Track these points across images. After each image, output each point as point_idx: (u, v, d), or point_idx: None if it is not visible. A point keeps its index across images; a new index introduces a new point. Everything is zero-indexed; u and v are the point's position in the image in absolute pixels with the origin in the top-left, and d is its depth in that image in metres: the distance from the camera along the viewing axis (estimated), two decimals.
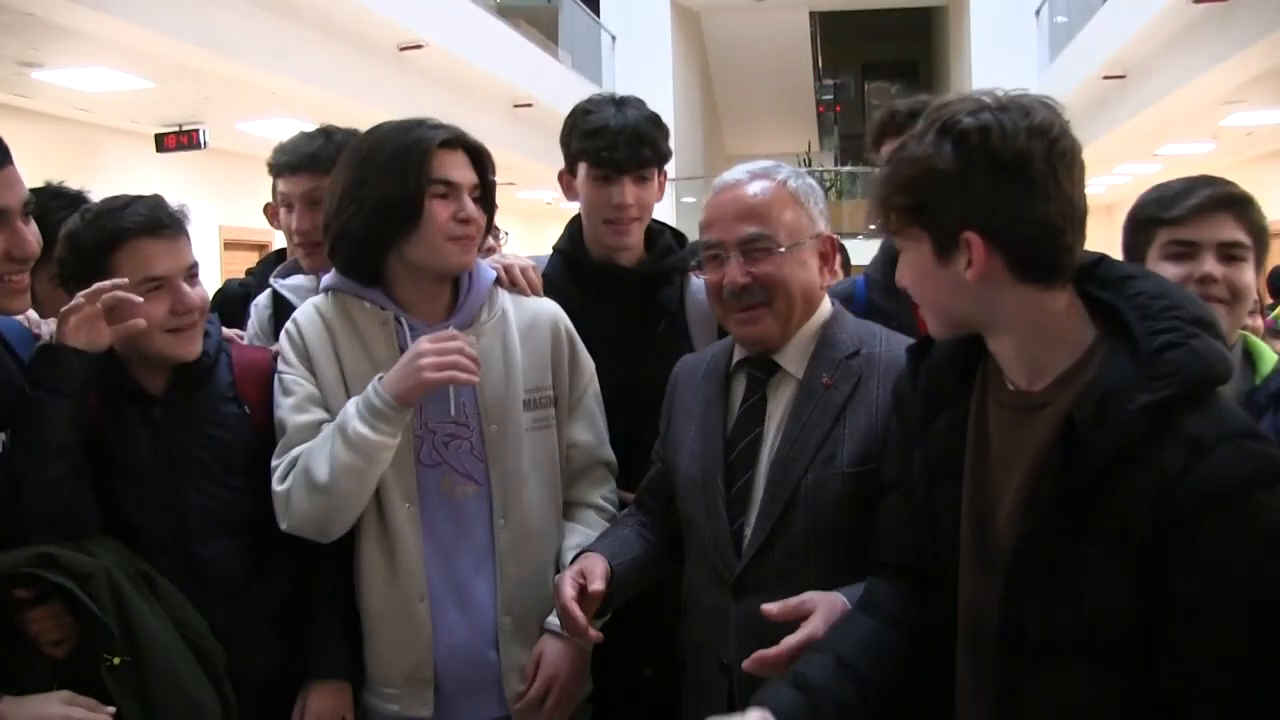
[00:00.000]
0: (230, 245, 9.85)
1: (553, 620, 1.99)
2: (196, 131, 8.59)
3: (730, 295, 1.90)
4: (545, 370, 2.10)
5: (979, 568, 1.49)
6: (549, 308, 2.16)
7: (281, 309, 2.48)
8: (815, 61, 21.19)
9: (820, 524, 1.82)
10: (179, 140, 8.60)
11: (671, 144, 2.47)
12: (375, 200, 1.96)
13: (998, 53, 15.96)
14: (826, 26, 21.10)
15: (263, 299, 2.51)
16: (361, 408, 1.90)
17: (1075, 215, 1.41)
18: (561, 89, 13.45)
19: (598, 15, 16.87)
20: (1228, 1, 8.05)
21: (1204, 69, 8.86)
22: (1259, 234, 1.94)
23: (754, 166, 1.96)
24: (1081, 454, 1.33)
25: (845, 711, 1.52)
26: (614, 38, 16.89)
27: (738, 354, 2.00)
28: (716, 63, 20.68)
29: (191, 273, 2.03)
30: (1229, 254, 1.90)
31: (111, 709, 1.75)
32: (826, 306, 1.99)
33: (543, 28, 14.24)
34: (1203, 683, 1.32)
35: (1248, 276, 1.91)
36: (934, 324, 1.53)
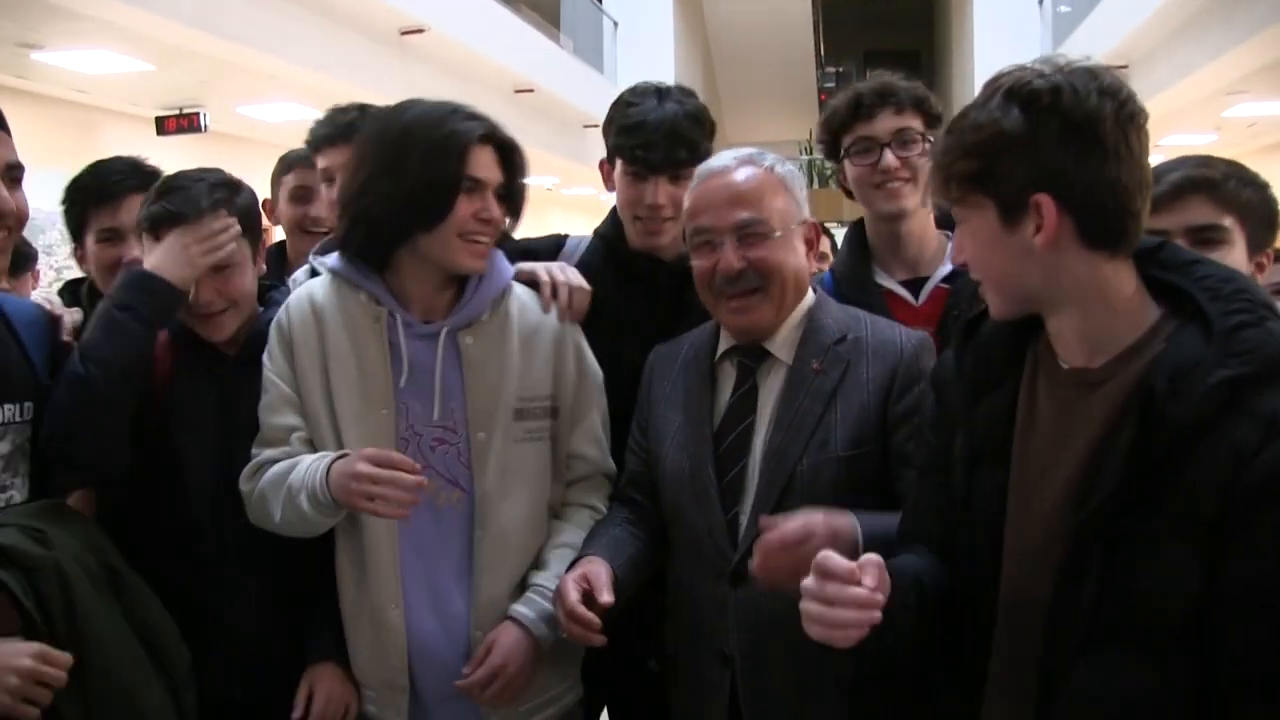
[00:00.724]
0: None
1: (517, 608, 1.94)
2: (197, 115, 8.59)
3: (725, 281, 1.88)
4: (545, 380, 2.03)
5: (1025, 550, 1.47)
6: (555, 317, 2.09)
7: None
8: (817, 49, 21.14)
9: (818, 508, 1.80)
10: (179, 123, 8.61)
11: None
12: (406, 189, 1.90)
13: (1000, 42, 15.89)
14: (829, 13, 21.04)
15: (301, 275, 2.46)
16: (310, 486, 1.86)
17: (1144, 180, 1.40)
18: (563, 75, 13.44)
19: (599, 1, 16.83)
20: None
21: (1207, 60, 8.86)
22: (1247, 210, 1.82)
23: (739, 153, 1.95)
24: (1156, 426, 1.31)
25: (918, 621, 1.50)
26: (616, 24, 16.86)
27: (724, 343, 1.99)
28: (718, 49, 20.65)
29: (219, 265, 2.06)
30: (1203, 238, 1.77)
31: (67, 658, 1.69)
32: (810, 294, 1.99)
33: (544, 13, 14.21)
34: (1258, 670, 1.30)
35: (1229, 260, 1.74)
36: (997, 302, 1.49)
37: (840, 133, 2.34)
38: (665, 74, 16.44)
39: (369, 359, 1.96)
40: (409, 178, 1.89)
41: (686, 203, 1.98)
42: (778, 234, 1.88)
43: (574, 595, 1.77)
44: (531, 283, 2.11)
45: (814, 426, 1.85)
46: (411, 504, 1.78)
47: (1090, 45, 11.89)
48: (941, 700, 1.59)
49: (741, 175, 1.91)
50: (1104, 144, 1.36)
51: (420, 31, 9.25)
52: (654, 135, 2.21)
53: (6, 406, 1.87)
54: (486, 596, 1.97)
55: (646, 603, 2.04)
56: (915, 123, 2.26)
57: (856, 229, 2.42)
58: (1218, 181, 1.81)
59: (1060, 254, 1.39)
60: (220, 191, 2.07)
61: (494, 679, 1.88)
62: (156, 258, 1.99)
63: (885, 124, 2.27)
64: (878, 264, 2.35)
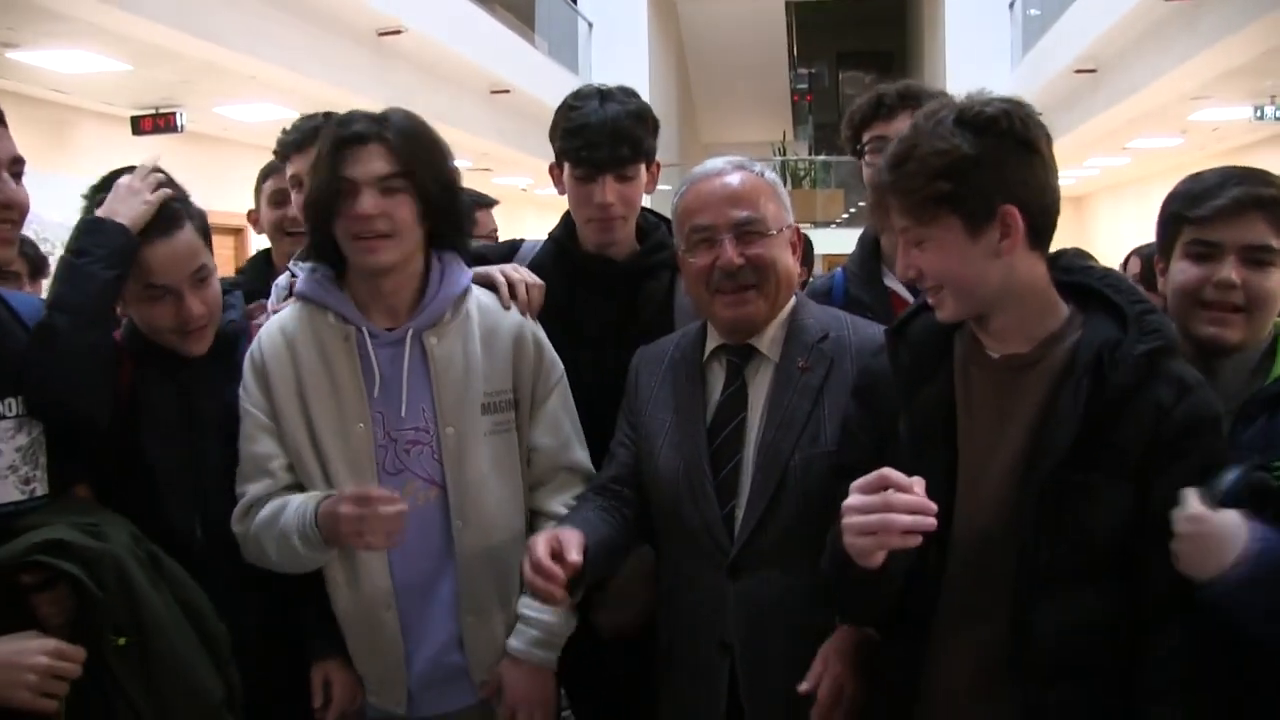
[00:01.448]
0: None
1: (512, 643, 2.05)
2: (173, 115, 8.53)
3: (723, 276, 1.95)
4: (507, 374, 2.09)
5: (981, 511, 1.67)
6: (517, 316, 2.14)
7: None
8: (790, 50, 21.27)
9: (811, 502, 1.88)
10: (156, 123, 8.55)
11: None
12: (312, 192, 2.03)
13: (972, 44, 16.09)
14: (802, 15, 21.17)
15: (283, 280, 2.55)
16: (300, 528, 1.94)
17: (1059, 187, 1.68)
18: (538, 76, 13.47)
19: (574, 1, 16.87)
20: (1195, 0, 8.18)
21: (1173, 65, 9.02)
22: None
23: (730, 159, 2.04)
24: (1099, 391, 1.58)
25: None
26: (590, 24, 16.88)
27: (711, 342, 2.05)
28: (692, 51, 20.72)
29: (199, 276, 2.09)
30: (1254, 258, 1.79)
31: (81, 652, 1.79)
32: (791, 296, 2.06)
33: (519, 14, 14.24)
34: (1176, 594, 1.55)
35: (1272, 281, 1.79)
36: (955, 305, 1.68)
37: (861, 129, 2.43)
38: (639, 75, 16.47)
39: (342, 378, 2.03)
40: (314, 181, 2.02)
41: (680, 204, 2.04)
42: (773, 232, 1.96)
43: (541, 550, 1.80)
44: (488, 285, 2.17)
45: (804, 422, 1.93)
46: (398, 532, 1.87)
47: (1060, 48, 12.05)
48: (890, 645, 1.80)
49: (736, 178, 1.99)
50: (1044, 158, 1.63)
51: (397, 33, 9.27)
52: (598, 135, 2.26)
53: (22, 400, 1.93)
54: (470, 584, 2.05)
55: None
56: None
57: (871, 232, 2.50)
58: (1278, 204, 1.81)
59: (1015, 255, 1.62)
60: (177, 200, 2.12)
61: (516, 712, 2.04)
62: (106, 205, 2.02)
63: (902, 125, 2.29)
64: (886, 265, 2.42)
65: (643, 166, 2.33)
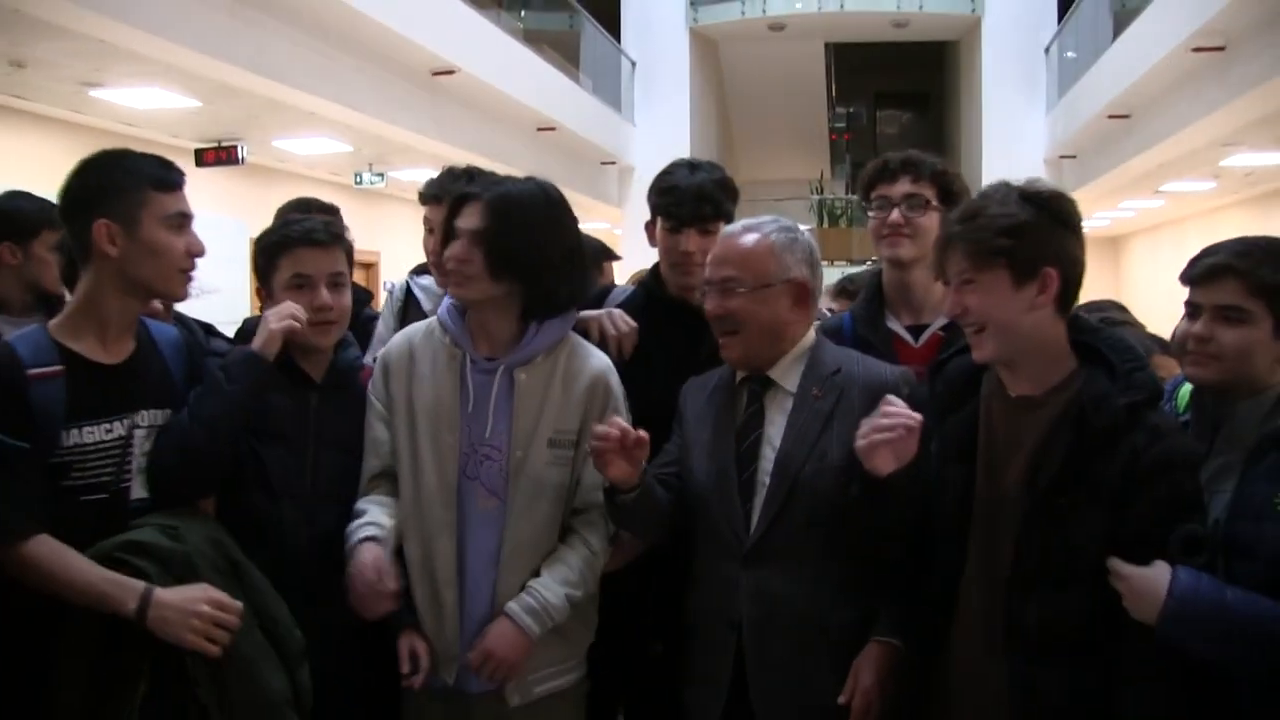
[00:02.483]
0: None
1: (510, 604, 2.30)
2: (235, 148, 8.92)
3: (712, 321, 2.35)
4: (576, 415, 2.38)
5: (990, 520, 2.04)
6: (600, 364, 2.43)
7: (411, 302, 3.10)
8: (829, 90, 21.44)
9: (816, 508, 2.22)
10: (218, 156, 8.92)
11: None
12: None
13: (1008, 87, 16.23)
14: (841, 56, 21.35)
15: (398, 289, 3.08)
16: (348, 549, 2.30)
17: None
18: (583, 113, 13.76)
19: (618, 41, 17.20)
20: (1224, 51, 8.41)
21: (1203, 113, 9.20)
22: (1272, 293, 2.02)
23: (749, 221, 2.40)
24: (1084, 432, 1.95)
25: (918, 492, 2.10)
26: (634, 63, 17.17)
27: (740, 373, 2.40)
28: (733, 90, 20.93)
29: (336, 280, 2.46)
30: (1225, 316, 2.05)
31: (239, 605, 2.05)
32: (810, 336, 2.40)
33: (566, 53, 14.56)
34: None
35: (1240, 335, 2.03)
36: (992, 346, 2.03)
37: (868, 189, 2.78)
38: (680, 113, 16.70)
39: (443, 391, 2.38)
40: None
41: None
42: (743, 290, 2.30)
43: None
44: (583, 330, 2.55)
45: (815, 440, 2.28)
46: (367, 605, 2.24)
47: (1093, 94, 12.22)
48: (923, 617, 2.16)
49: (738, 239, 2.36)
50: (1080, 237, 2.04)
51: (451, 73, 9.63)
52: (686, 195, 2.70)
53: (154, 412, 2.23)
54: (506, 588, 2.34)
55: (647, 595, 2.48)
56: (928, 192, 2.67)
57: (875, 278, 2.85)
58: (1245, 271, 2.04)
59: (1044, 311, 2.01)
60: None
61: (485, 661, 2.27)
62: (259, 342, 2.33)
63: (901, 187, 2.70)
64: (889, 309, 2.75)
65: (721, 224, 2.69)
